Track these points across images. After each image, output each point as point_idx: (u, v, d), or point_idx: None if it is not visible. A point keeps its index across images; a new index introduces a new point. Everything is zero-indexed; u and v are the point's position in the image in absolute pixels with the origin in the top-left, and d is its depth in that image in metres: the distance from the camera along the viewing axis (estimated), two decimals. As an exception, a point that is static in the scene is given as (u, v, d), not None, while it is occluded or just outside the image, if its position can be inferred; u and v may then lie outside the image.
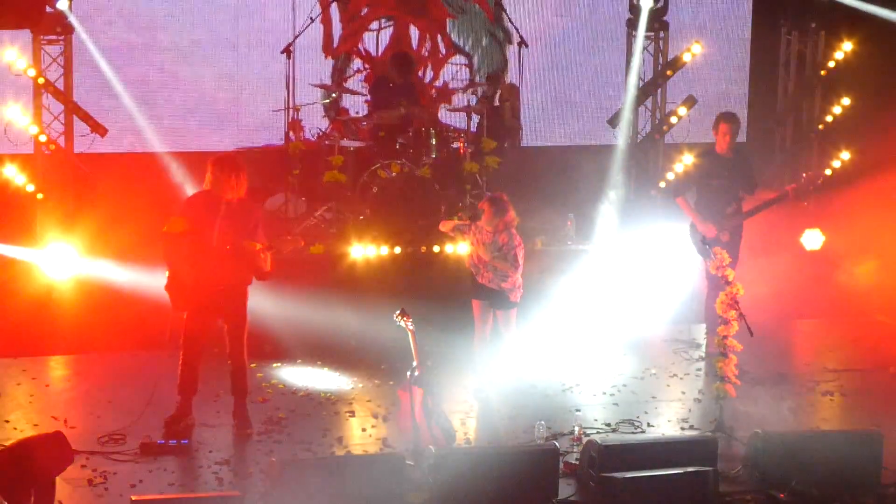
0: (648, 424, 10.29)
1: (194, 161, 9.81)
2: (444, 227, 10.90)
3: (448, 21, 15.06)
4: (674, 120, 14.60)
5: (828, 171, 11.49)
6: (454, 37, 15.18)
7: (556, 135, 15.42)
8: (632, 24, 14.59)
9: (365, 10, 14.86)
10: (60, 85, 13.56)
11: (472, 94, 13.60)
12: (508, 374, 11.11)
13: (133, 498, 8.21)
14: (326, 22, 14.69)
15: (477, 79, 15.08)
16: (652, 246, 13.98)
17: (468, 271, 10.80)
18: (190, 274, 9.67)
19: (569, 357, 11.85)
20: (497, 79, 14.22)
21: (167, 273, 9.80)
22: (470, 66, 15.17)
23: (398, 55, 14.04)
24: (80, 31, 13.62)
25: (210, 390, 10.45)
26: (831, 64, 14.90)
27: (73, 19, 13.46)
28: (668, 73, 14.58)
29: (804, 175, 12.68)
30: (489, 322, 10.82)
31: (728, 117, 11.52)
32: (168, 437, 9.63)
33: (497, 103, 14.15)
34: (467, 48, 15.20)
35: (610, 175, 13.99)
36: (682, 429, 10.22)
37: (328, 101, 13.98)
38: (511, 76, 13.97)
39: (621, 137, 14.49)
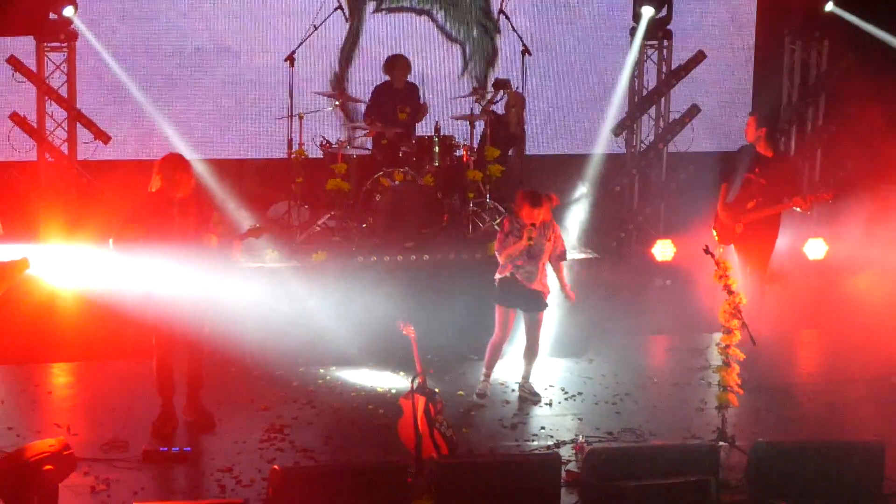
0: (650, 433, 10.29)
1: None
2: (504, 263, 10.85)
3: (441, 12, 15.19)
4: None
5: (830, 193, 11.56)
6: (447, 27, 15.27)
7: (559, 143, 15.42)
8: (636, 33, 14.59)
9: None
10: (64, 92, 13.58)
11: (477, 101, 13.56)
12: (511, 379, 11.13)
13: (135, 505, 8.25)
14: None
15: (469, 66, 15.21)
16: (655, 252, 14.03)
17: (488, 279, 10.82)
18: None
19: (570, 365, 11.85)
20: (504, 86, 14.20)
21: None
22: (462, 54, 15.26)
23: (391, 57, 14.02)
24: (89, 36, 13.63)
25: (211, 397, 10.47)
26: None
27: (78, 24, 13.47)
28: (672, 81, 14.58)
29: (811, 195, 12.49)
30: (511, 328, 10.83)
31: (753, 111, 12.13)
32: (158, 440, 9.65)
33: (503, 111, 14.14)
34: (459, 38, 15.30)
35: (581, 182, 13.97)
36: (684, 438, 10.21)
37: (331, 108, 13.97)
38: (515, 84, 13.94)
39: (597, 148, 14.52)
